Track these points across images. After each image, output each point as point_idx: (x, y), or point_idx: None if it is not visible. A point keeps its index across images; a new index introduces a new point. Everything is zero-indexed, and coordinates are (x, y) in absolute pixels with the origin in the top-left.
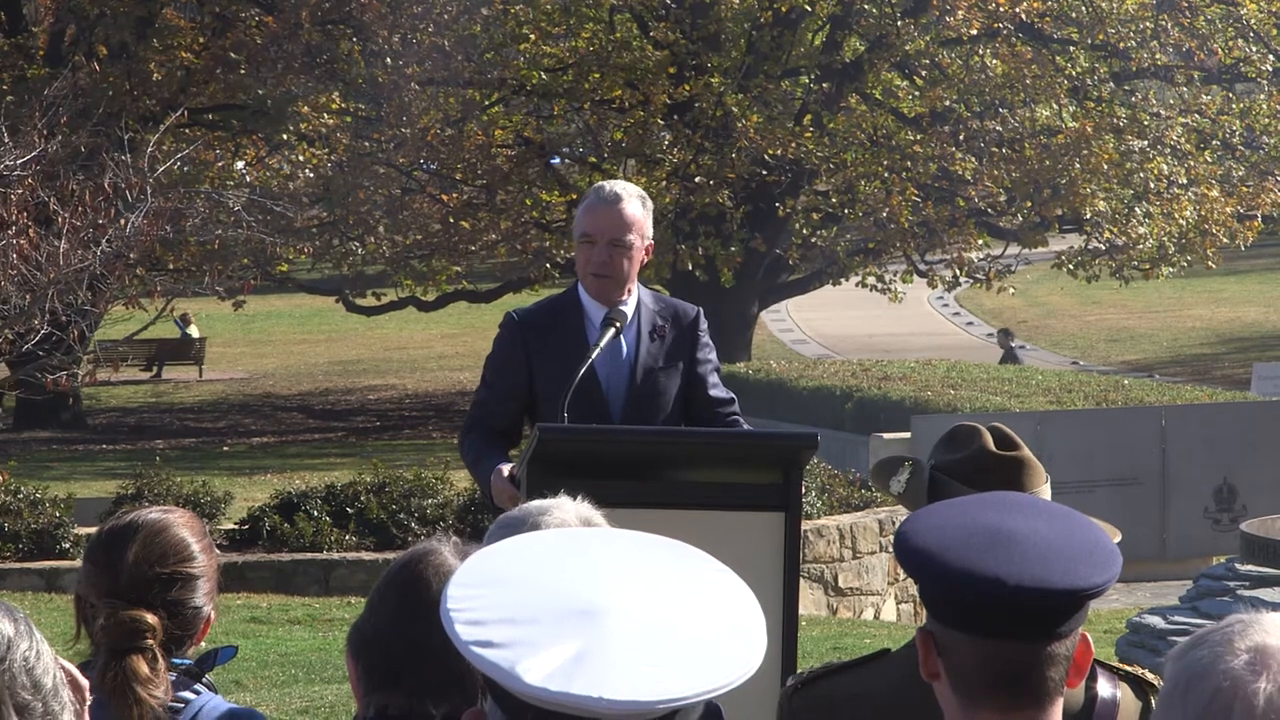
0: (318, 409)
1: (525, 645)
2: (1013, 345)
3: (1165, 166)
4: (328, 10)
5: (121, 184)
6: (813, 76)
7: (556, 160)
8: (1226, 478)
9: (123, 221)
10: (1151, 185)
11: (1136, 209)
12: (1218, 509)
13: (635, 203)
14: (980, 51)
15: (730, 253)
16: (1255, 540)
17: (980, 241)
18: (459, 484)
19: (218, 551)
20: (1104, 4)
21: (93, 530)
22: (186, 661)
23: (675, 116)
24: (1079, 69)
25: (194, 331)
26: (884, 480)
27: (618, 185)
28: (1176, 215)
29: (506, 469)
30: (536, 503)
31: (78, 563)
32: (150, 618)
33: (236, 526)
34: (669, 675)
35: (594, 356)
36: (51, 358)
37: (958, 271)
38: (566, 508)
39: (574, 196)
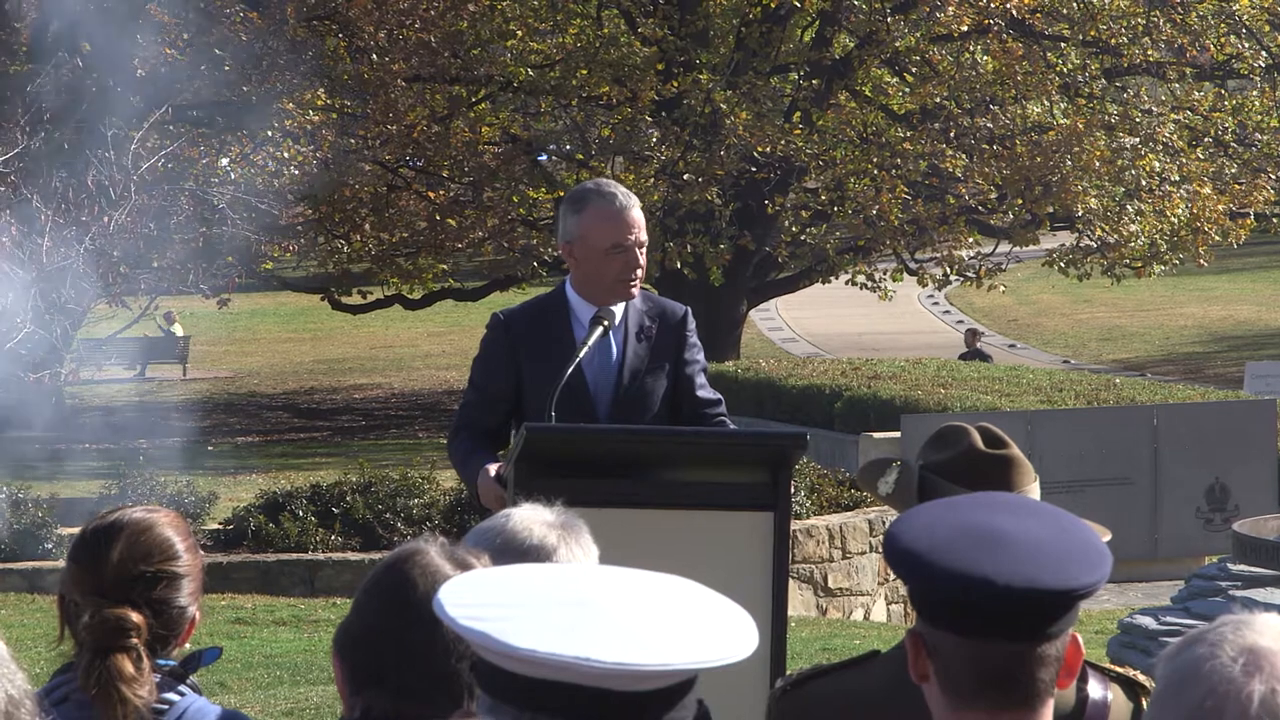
0: (303, 408)
1: (517, 619)
2: (979, 346)
3: (1157, 164)
4: (313, 6)
5: (105, 181)
6: (802, 73)
7: (544, 157)
8: (1219, 477)
9: (106, 219)
10: (1143, 183)
11: (1128, 206)
12: (1210, 509)
13: (635, 201)
14: (971, 48)
15: (719, 250)
16: (1247, 540)
17: (971, 239)
18: (445, 484)
19: (202, 553)
20: (1095, 0)
21: (76, 530)
22: (170, 663)
23: (663, 113)
24: (1070, 65)
25: (178, 330)
26: (872, 482)
27: (615, 187)
28: (1168, 213)
29: (493, 469)
30: (507, 512)
31: (61, 563)
32: (135, 616)
33: (221, 527)
34: (660, 644)
35: (582, 355)
36: (34, 356)
37: (948, 269)
38: (541, 519)
39: (561, 194)
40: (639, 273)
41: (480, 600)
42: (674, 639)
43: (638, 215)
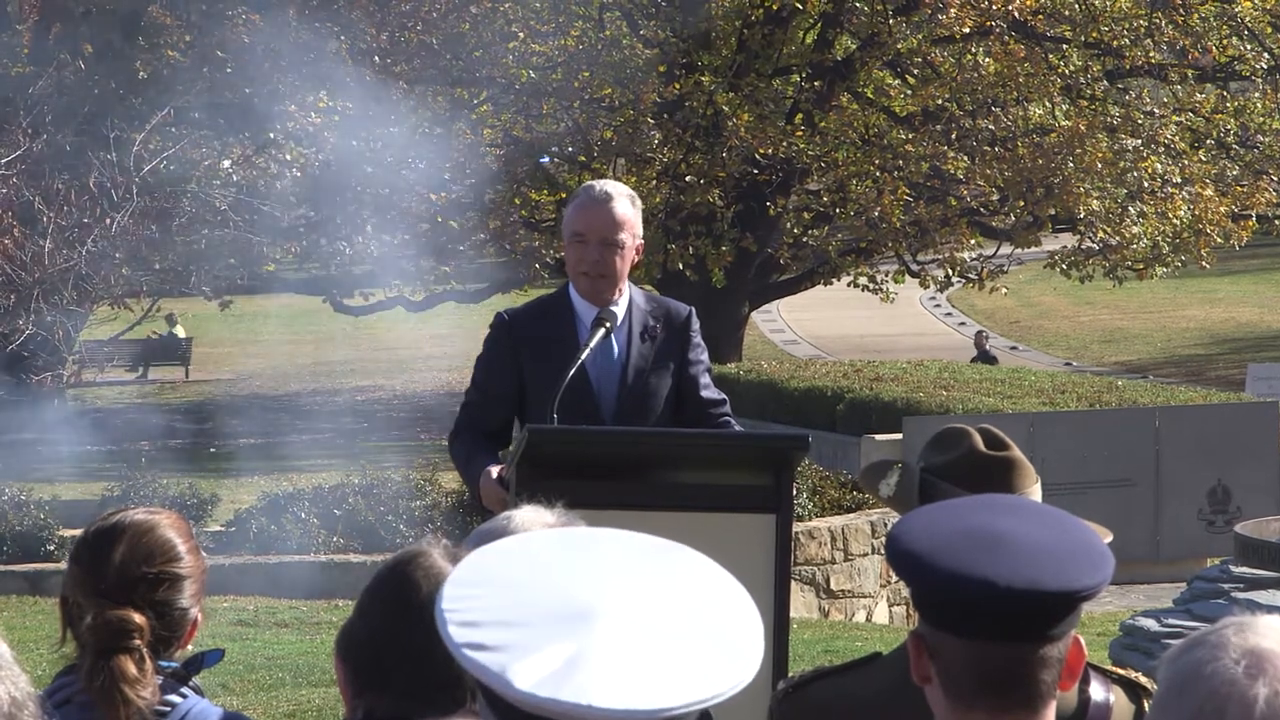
0: (305, 410)
1: (517, 649)
2: (987, 347)
3: (1159, 165)
4: (315, 8)
5: (107, 183)
6: (804, 75)
7: (545, 159)
8: (1220, 479)
9: (108, 221)
10: (1145, 184)
11: (1130, 208)
12: (1212, 511)
13: (625, 201)
14: (973, 50)
15: (721, 252)
16: (1249, 542)
17: (973, 241)
18: (448, 485)
19: (204, 554)
20: (1097, 2)
21: (78, 532)
22: (173, 665)
23: (665, 115)
24: (1072, 67)
25: (180, 332)
26: (874, 483)
27: (607, 184)
28: (1170, 215)
29: (495, 470)
30: (508, 514)
31: (63, 565)
32: (138, 617)
33: (223, 528)
34: (660, 684)
35: (584, 356)
36: (36, 358)
37: (950, 271)
38: (542, 521)
39: (563, 195)
40: (600, 269)
41: (481, 610)
42: (678, 670)
43: (616, 212)
